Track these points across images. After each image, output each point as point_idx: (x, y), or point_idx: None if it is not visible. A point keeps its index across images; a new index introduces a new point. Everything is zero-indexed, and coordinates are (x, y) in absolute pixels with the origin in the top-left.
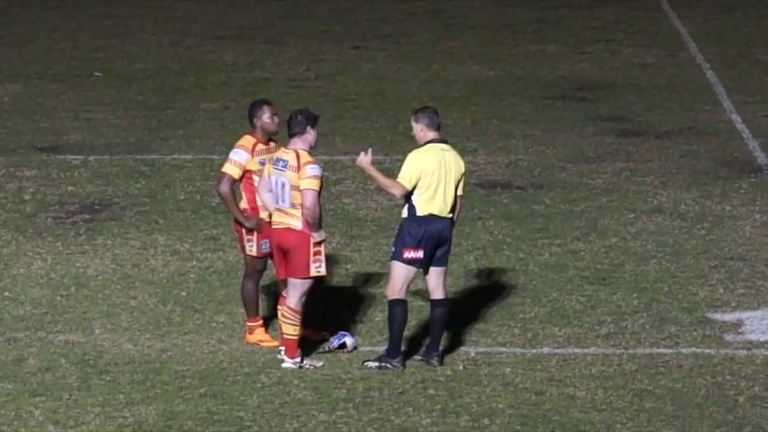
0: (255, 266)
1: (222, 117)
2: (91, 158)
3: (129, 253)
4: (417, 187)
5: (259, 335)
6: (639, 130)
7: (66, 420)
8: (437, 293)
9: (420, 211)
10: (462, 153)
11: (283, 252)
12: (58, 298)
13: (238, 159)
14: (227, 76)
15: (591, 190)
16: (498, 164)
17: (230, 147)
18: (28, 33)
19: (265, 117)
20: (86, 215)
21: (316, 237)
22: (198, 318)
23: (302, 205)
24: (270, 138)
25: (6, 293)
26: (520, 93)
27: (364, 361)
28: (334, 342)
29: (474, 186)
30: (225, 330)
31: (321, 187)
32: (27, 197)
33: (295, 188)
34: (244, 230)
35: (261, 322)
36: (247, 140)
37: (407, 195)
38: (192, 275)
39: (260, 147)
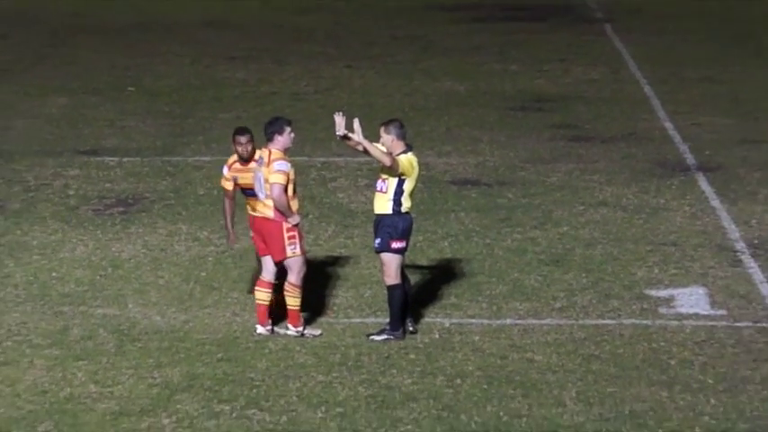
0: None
1: (236, 125)
2: (125, 160)
3: (157, 239)
4: (404, 187)
5: None
6: (587, 136)
7: (105, 380)
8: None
9: (404, 208)
10: (438, 155)
11: (261, 237)
12: (98, 278)
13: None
14: (239, 91)
15: (546, 186)
16: (468, 164)
17: None
18: (72, 55)
19: (237, 146)
20: (121, 208)
21: (290, 221)
22: (215, 294)
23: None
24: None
25: (54, 274)
26: (486, 104)
27: (368, 335)
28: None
29: (447, 183)
30: (238, 305)
31: (288, 180)
32: (71, 193)
33: (267, 181)
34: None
35: None
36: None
37: (396, 195)
38: (210, 258)
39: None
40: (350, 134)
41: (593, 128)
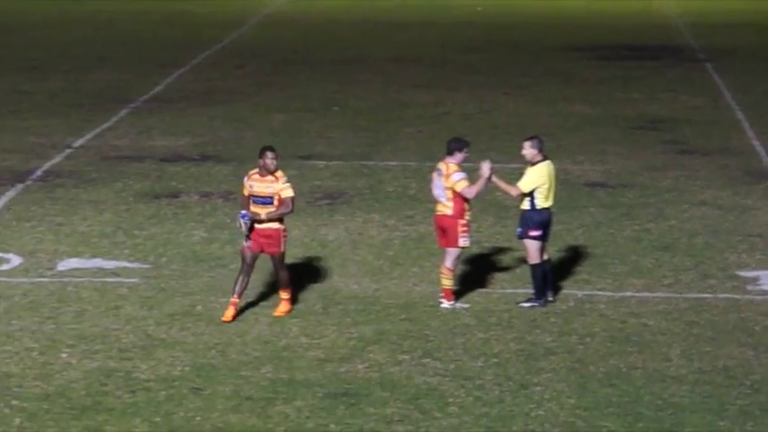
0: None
1: (417, 138)
2: (331, 163)
3: (355, 225)
4: (537, 191)
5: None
6: (691, 150)
7: (313, 334)
8: (545, 255)
9: (539, 206)
10: (574, 163)
11: (442, 230)
12: (309, 254)
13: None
14: (420, 111)
15: (659, 189)
16: (597, 171)
17: (423, 157)
18: (291, 82)
19: (266, 159)
20: (328, 200)
21: (484, 171)
22: (400, 269)
23: (463, 197)
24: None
25: None
26: (613, 124)
27: (518, 302)
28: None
29: (581, 185)
30: (417, 277)
31: (468, 181)
32: None
33: (448, 189)
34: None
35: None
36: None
37: (528, 194)
38: (396, 241)
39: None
40: (486, 175)
41: (695, 144)
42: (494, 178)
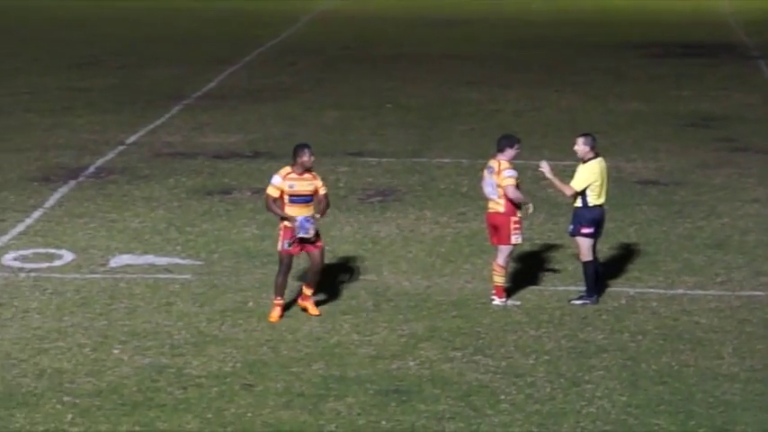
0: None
1: (469, 135)
2: (383, 160)
3: (407, 222)
4: (589, 188)
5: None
6: (744, 148)
7: (365, 331)
8: (594, 253)
9: (591, 203)
10: (626, 161)
11: (494, 228)
12: (360, 251)
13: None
14: (472, 109)
15: (711, 186)
16: (649, 168)
17: (476, 155)
18: (343, 79)
19: (305, 157)
20: (379, 198)
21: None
22: (452, 266)
23: (507, 195)
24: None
25: (326, 247)
26: (665, 122)
27: (569, 299)
28: None
29: (633, 183)
30: (469, 274)
31: (518, 181)
32: (341, 185)
33: (499, 186)
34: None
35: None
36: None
37: (580, 192)
38: (448, 238)
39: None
40: (547, 175)
41: (748, 141)
42: (549, 175)
